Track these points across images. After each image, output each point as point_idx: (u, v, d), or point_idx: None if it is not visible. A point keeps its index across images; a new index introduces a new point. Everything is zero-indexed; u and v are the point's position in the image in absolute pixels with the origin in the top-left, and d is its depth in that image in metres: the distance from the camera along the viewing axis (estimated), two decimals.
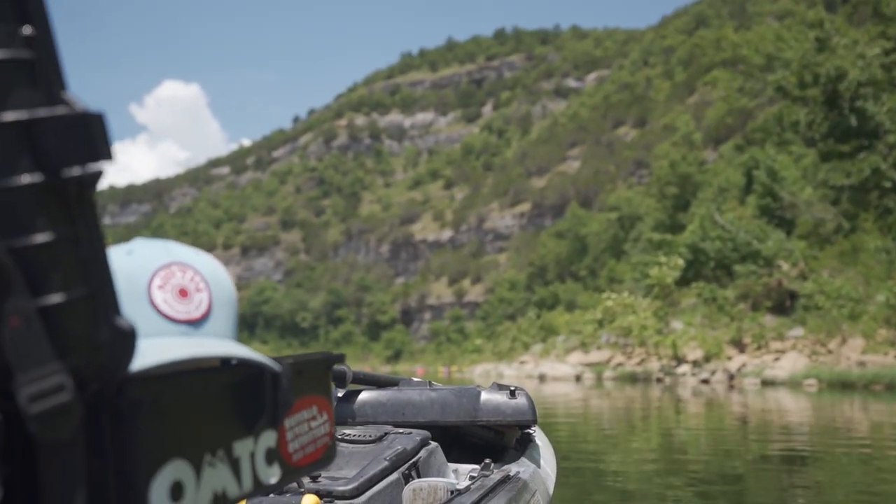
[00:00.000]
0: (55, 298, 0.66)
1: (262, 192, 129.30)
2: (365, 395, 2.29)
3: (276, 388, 0.89)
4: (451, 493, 1.74)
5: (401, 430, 2.05)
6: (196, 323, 0.93)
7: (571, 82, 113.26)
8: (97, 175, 0.65)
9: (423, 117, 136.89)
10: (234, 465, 0.85)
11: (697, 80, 59.81)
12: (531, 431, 2.40)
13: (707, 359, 21.76)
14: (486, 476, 1.89)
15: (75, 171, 0.63)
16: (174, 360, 0.83)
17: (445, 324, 73.88)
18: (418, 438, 2.01)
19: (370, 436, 1.98)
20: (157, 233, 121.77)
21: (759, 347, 20.88)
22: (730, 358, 21.08)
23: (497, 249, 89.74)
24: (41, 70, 0.64)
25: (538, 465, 2.14)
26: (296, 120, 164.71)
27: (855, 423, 8.32)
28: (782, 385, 16.85)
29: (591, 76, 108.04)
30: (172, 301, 0.92)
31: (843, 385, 15.54)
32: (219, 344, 0.92)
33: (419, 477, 1.90)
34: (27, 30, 0.63)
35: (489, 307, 66.53)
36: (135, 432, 0.75)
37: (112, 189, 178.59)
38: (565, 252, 59.05)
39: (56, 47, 0.68)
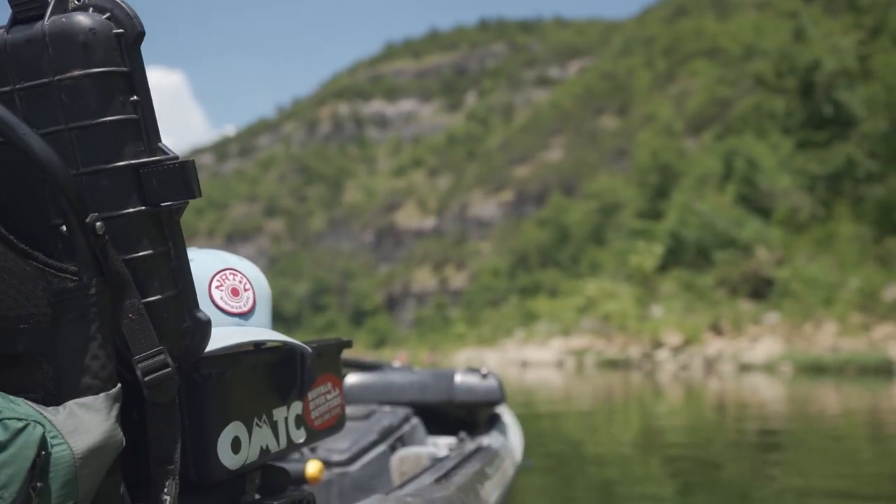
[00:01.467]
0: (155, 297, 0.92)
1: (245, 179, 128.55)
2: (352, 378, 2.54)
3: (303, 367, 1.22)
4: (433, 460, 1.93)
5: (386, 408, 2.25)
6: (245, 315, 1.26)
7: (554, 71, 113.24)
8: (184, 206, 0.88)
9: (406, 106, 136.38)
10: (274, 427, 1.16)
11: (678, 70, 60.17)
12: (502, 410, 2.65)
13: (686, 344, 22.18)
14: (462, 447, 2.09)
15: (169, 203, 0.87)
16: (235, 345, 1.09)
17: (429, 311, 74.09)
18: (402, 414, 2.23)
19: (359, 413, 2.19)
20: None
21: (736, 332, 21.31)
22: (708, 343, 21.50)
23: (480, 237, 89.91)
24: (144, 127, 0.91)
25: (507, 438, 2.35)
26: (279, 108, 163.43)
27: (828, 406, 8.63)
28: (758, 370, 17.27)
29: (573, 65, 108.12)
30: (227, 298, 1.25)
31: (817, 369, 15.95)
32: (263, 331, 1.25)
33: (404, 447, 2.10)
34: (135, 98, 0.90)
35: (472, 294, 66.78)
36: (206, 399, 1.02)
37: None
38: (547, 240, 59.34)
39: (153, 109, 0.93)
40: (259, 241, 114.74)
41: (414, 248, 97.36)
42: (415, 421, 2.28)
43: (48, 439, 0.81)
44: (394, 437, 2.10)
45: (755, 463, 4.28)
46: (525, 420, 6.98)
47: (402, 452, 2.03)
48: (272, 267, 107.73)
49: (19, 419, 0.80)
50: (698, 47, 53.61)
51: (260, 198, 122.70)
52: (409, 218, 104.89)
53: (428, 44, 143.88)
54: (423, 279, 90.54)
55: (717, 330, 22.09)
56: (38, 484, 0.79)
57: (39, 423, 0.81)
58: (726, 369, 18.11)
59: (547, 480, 3.77)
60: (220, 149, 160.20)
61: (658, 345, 23.64)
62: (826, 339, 18.11)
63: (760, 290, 23.09)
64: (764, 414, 7.50)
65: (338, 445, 1.92)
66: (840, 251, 21.49)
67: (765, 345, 19.26)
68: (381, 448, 2.02)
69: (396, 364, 2.76)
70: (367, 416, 2.17)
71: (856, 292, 18.85)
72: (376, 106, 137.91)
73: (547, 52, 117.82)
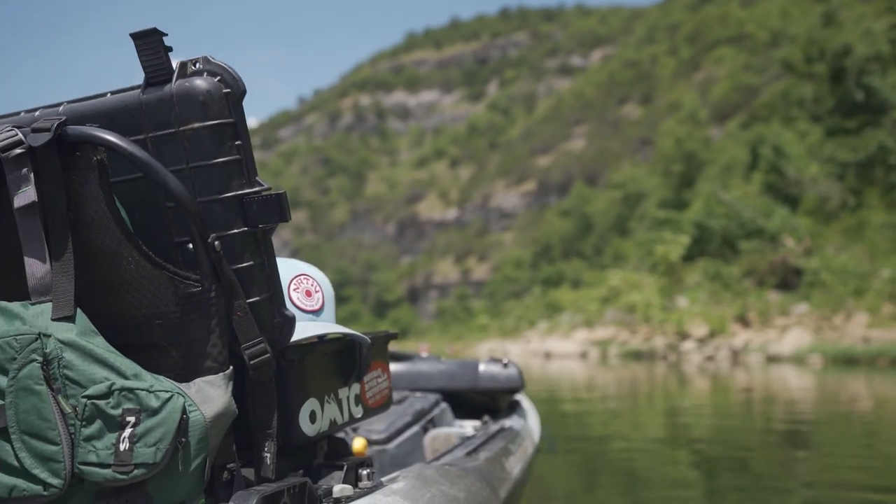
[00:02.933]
0: (255, 299, 1.19)
1: (267, 172, 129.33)
2: None
3: (361, 354, 1.48)
4: (462, 438, 2.16)
5: (418, 394, 2.50)
6: (317, 312, 1.58)
7: (576, 60, 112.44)
8: (275, 227, 1.19)
9: (427, 96, 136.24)
10: (339, 404, 1.43)
11: (703, 57, 59.39)
12: (521, 397, 2.90)
13: (712, 335, 21.87)
14: (487, 428, 2.31)
15: (263, 225, 1.18)
16: (312, 336, 1.39)
17: (451, 302, 74.10)
18: (432, 399, 2.48)
19: (394, 398, 2.35)
20: None
21: (763, 323, 20.97)
22: (734, 334, 21.18)
23: (502, 228, 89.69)
24: (245, 165, 1.20)
25: (526, 421, 2.59)
26: (301, 100, 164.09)
27: (859, 398, 8.42)
28: (787, 361, 16.97)
29: (596, 54, 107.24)
30: (302, 298, 1.57)
31: (847, 360, 15.63)
32: (332, 325, 1.53)
33: (435, 428, 2.36)
34: (238, 142, 1.19)
35: (494, 285, 66.69)
36: (290, 380, 1.30)
37: None
38: (570, 230, 59.03)
39: (251, 150, 1.22)
40: (281, 233, 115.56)
41: (436, 239, 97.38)
42: (443, 405, 2.53)
43: (187, 407, 1.08)
44: (425, 420, 2.34)
45: (783, 454, 4.13)
46: (549, 410, 6.84)
47: (434, 432, 2.29)
48: (295, 258, 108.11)
49: (166, 391, 1.08)
50: (724, 34, 52.83)
51: (282, 189, 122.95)
52: (431, 209, 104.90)
53: (449, 33, 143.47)
54: (446, 270, 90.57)
55: (743, 321, 21.75)
56: (183, 440, 1.06)
57: (180, 394, 1.09)
58: (753, 361, 17.81)
59: (571, 468, 3.66)
60: None
61: (683, 336, 23.34)
62: (857, 330, 17.75)
63: (789, 280, 22.70)
64: (792, 405, 7.31)
65: (376, 426, 2.14)
66: (871, 240, 21.04)
67: (793, 336, 18.92)
68: (415, 429, 2.26)
69: (424, 354, 3.00)
70: (401, 401, 2.40)
71: (887, 282, 18.43)
72: (398, 97, 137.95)
73: (569, 41, 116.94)
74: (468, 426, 2.49)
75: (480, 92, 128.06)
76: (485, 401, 2.81)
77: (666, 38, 75.12)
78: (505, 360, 2.77)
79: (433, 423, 2.38)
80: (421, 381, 2.72)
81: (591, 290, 37.08)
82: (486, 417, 2.56)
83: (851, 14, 24.82)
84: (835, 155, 24.69)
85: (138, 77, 1.23)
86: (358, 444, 1.93)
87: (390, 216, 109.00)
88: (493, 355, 3.22)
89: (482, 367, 2.73)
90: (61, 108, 1.27)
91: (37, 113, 1.28)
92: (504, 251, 79.08)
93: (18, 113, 1.31)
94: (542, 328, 38.88)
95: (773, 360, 17.57)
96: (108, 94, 1.25)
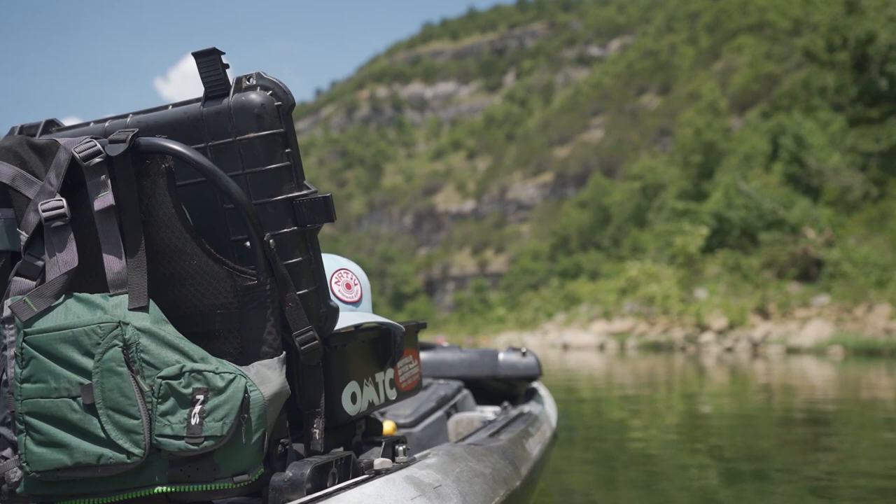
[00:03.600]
0: (303, 291, 1.33)
1: None
2: None
3: (395, 342, 1.62)
4: (484, 422, 2.30)
5: (441, 381, 2.62)
6: (356, 303, 1.73)
7: (594, 50, 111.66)
8: (321, 225, 1.32)
9: (444, 87, 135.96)
10: (376, 387, 1.57)
11: (723, 46, 58.74)
12: (537, 385, 3.07)
13: (731, 327, 21.72)
14: (507, 412, 2.47)
15: (311, 224, 1.31)
16: (352, 325, 1.55)
17: (469, 294, 74.11)
18: (455, 386, 2.63)
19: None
20: None
21: (783, 315, 20.78)
22: (754, 326, 21.02)
23: (520, 220, 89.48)
24: (294, 170, 1.33)
25: (543, 407, 2.74)
26: (318, 92, 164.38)
27: (881, 389, 8.34)
28: (807, 353, 16.82)
29: (615, 43, 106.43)
30: (343, 291, 1.72)
31: (868, 352, 15.47)
32: (370, 315, 1.67)
33: (457, 413, 2.50)
34: (288, 150, 1.32)
35: (512, 277, 66.60)
36: (334, 364, 1.43)
37: None
38: (588, 222, 58.76)
39: (300, 157, 1.35)
40: None
41: (453, 231, 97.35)
42: (465, 392, 2.68)
43: (248, 387, 1.22)
44: (449, 405, 2.47)
45: (803, 444, 4.09)
46: (567, 400, 6.84)
47: (458, 416, 2.42)
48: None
49: (230, 373, 1.22)
50: (744, 22, 52.19)
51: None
52: (448, 201, 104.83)
53: (466, 24, 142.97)
54: (463, 262, 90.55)
55: (763, 313, 21.58)
56: (245, 416, 1.21)
57: (242, 376, 1.23)
58: (773, 353, 17.67)
59: (589, 458, 3.65)
60: None
61: (702, 328, 23.20)
62: (878, 321, 17.54)
63: (809, 271, 22.47)
64: (813, 397, 7.24)
65: (402, 411, 2.24)
66: (893, 231, 20.78)
67: (814, 328, 18.75)
68: (439, 414, 2.39)
69: (445, 344, 3.14)
70: (425, 388, 2.51)
71: None
72: (415, 88, 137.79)
73: (587, 31, 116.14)
74: (489, 411, 2.61)
75: (498, 83, 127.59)
76: (503, 388, 2.98)
77: (685, 27, 74.37)
78: (523, 350, 2.95)
79: (456, 409, 2.51)
80: (443, 369, 2.85)
81: (608, 281, 36.93)
82: (505, 403, 2.69)
83: (875, 1, 24.40)
84: (857, 145, 24.35)
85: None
86: (387, 426, 2.05)
87: (407, 208, 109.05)
88: (511, 345, 3.33)
89: (502, 356, 2.92)
90: (129, 119, 1.41)
91: (106, 124, 1.44)
92: (521, 243, 78.91)
93: (88, 123, 1.47)
94: (559, 320, 38.80)
95: (793, 351, 17.43)
96: (170, 107, 1.39)
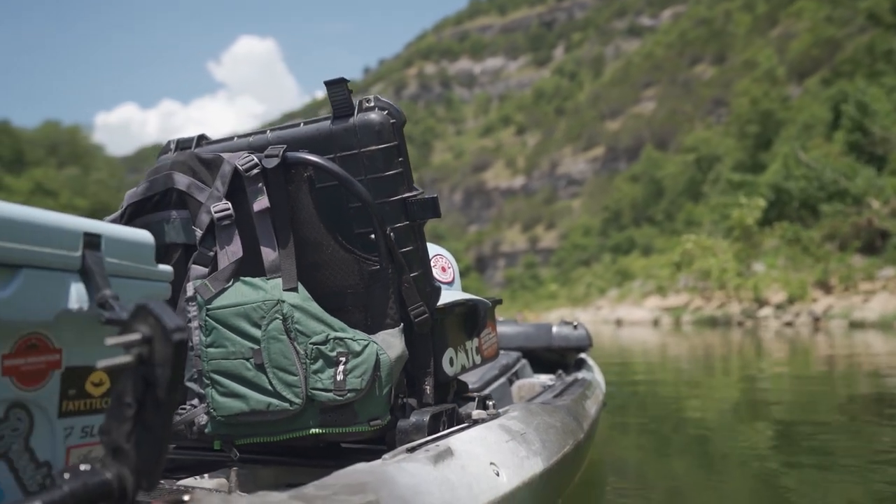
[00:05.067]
0: (414, 273, 1.64)
1: None
2: None
3: (481, 315, 1.90)
4: (544, 387, 2.57)
5: (501, 352, 2.79)
6: (450, 283, 2.02)
7: (645, 20, 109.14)
8: (425, 221, 1.65)
9: (493, 63, 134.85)
10: (466, 353, 1.84)
11: (781, 12, 56.80)
12: (585, 356, 3.34)
13: (791, 301, 21.17)
14: (563, 379, 2.75)
15: (420, 219, 1.64)
16: (450, 302, 1.79)
17: (519, 270, 73.93)
18: (514, 356, 2.88)
19: None
20: None
21: (846, 289, 20.15)
22: (815, 300, 20.44)
23: (570, 195, 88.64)
24: (406, 175, 1.64)
25: (594, 374, 3.00)
26: (366, 70, 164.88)
27: None
28: (872, 327, 16.30)
29: (667, 13, 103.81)
30: (440, 273, 1.98)
31: None
32: (461, 293, 1.94)
33: (518, 380, 2.75)
34: (401, 159, 1.64)
35: (563, 253, 66.16)
36: (436, 334, 1.70)
37: None
38: (640, 196, 57.87)
39: (409, 164, 1.66)
40: None
41: (503, 207, 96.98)
42: (524, 361, 2.93)
43: (378, 351, 1.51)
44: (510, 372, 2.72)
45: (868, 421, 3.94)
46: (621, 376, 6.76)
47: (520, 382, 2.66)
48: None
49: (364, 340, 1.51)
50: None
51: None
52: (497, 177, 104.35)
53: None
54: (513, 239, 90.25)
55: (825, 286, 20.97)
56: (377, 373, 1.50)
57: (374, 342, 1.52)
58: (836, 327, 17.17)
59: (645, 437, 3.59)
60: (310, 114, 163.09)
61: (760, 302, 22.69)
62: None
63: (874, 243, 21.71)
64: (878, 373, 7.00)
65: (469, 378, 2.37)
66: None
67: (879, 301, 18.13)
68: (502, 380, 2.64)
69: (500, 319, 3.25)
70: None
71: None
72: (463, 64, 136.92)
73: (638, 0, 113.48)
74: (544, 378, 2.84)
75: (547, 57, 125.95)
76: (555, 358, 3.30)
77: None
78: (575, 323, 3.28)
79: (517, 376, 2.78)
80: (503, 341, 3.03)
81: (662, 256, 36.37)
82: (559, 371, 2.98)
83: None
84: None
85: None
86: None
87: (457, 185, 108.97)
88: (563, 319, 3.55)
89: (555, 329, 3.25)
90: (269, 134, 1.74)
91: (250, 139, 1.75)
92: (572, 218, 78.24)
93: (232, 138, 1.79)
94: (612, 296, 38.43)
95: (856, 325, 16.90)
96: (301, 124, 1.71)
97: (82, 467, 0.79)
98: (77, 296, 0.96)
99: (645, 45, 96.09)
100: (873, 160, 24.71)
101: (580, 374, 2.82)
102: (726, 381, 6.76)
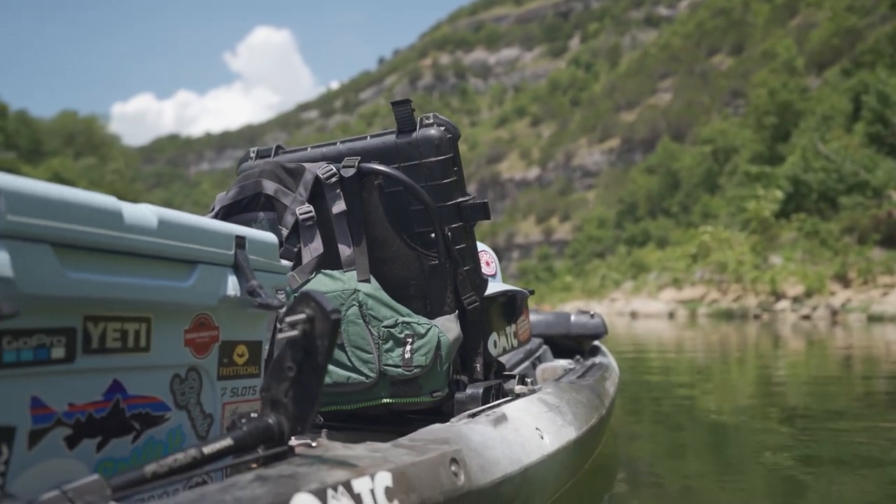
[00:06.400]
0: (467, 267, 1.92)
1: (349, 134, 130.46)
2: None
3: (519, 304, 2.22)
4: (565, 370, 2.75)
5: None
6: (493, 276, 2.33)
7: (663, 10, 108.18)
8: (475, 223, 1.94)
9: (508, 53, 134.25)
10: (507, 337, 2.15)
11: (800, 1, 56.08)
12: (598, 343, 3.61)
13: (808, 294, 20.95)
14: (582, 363, 2.96)
15: (472, 220, 1.92)
16: (494, 292, 2.09)
17: (534, 262, 73.74)
18: (537, 342, 3.19)
19: None
20: None
21: (865, 282, 19.92)
22: (833, 293, 20.22)
23: (585, 187, 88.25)
24: (459, 182, 1.94)
25: (609, 359, 3.26)
26: (381, 61, 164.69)
27: None
28: (891, 320, 16.09)
29: (684, 2, 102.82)
30: (484, 267, 2.19)
31: None
32: (503, 285, 2.24)
33: (541, 364, 2.94)
34: (456, 168, 1.93)
35: (578, 245, 65.91)
36: (483, 320, 1.97)
37: (208, 136, 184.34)
38: (656, 188, 57.46)
39: (463, 171, 1.99)
40: None
41: (518, 198, 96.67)
42: (545, 347, 3.20)
43: (438, 334, 1.76)
44: (533, 357, 2.96)
45: (884, 418, 3.85)
46: (636, 367, 6.68)
47: (544, 365, 2.83)
48: None
49: (427, 324, 1.78)
50: None
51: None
52: (512, 168, 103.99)
53: None
54: (528, 230, 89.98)
55: (843, 279, 20.74)
56: (439, 352, 1.76)
57: (435, 326, 1.78)
58: (854, 321, 16.96)
59: (659, 429, 3.52)
60: (325, 104, 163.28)
61: (777, 295, 22.48)
62: None
63: (893, 236, 21.43)
64: None
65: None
66: None
67: None
68: (526, 364, 2.88)
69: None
70: None
71: None
72: (478, 55, 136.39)
73: None
74: (564, 362, 3.01)
75: (562, 47, 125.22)
76: (572, 345, 3.56)
77: None
78: (591, 312, 3.57)
79: (539, 360, 3.02)
80: None
81: (678, 248, 36.13)
82: (577, 357, 3.19)
83: None
84: None
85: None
86: None
87: (472, 176, 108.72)
88: (580, 309, 3.79)
89: (573, 318, 3.53)
90: (339, 146, 1.98)
91: (323, 149, 1.99)
92: (587, 210, 77.89)
93: (305, 148, 2.04)
94: (627, 288, 38.25)
95: (875, 319, 16.70)
96: (368, 137, 1.95)
97: (252, 415, 1.03)
98: (232, 285, 1.20)
99: (662, 36, 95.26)
100: (894, 152, 24.37)
101: (597, 359, 3.03)
102: (742, 373, 6.67)
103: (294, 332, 0.99)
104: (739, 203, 30.80)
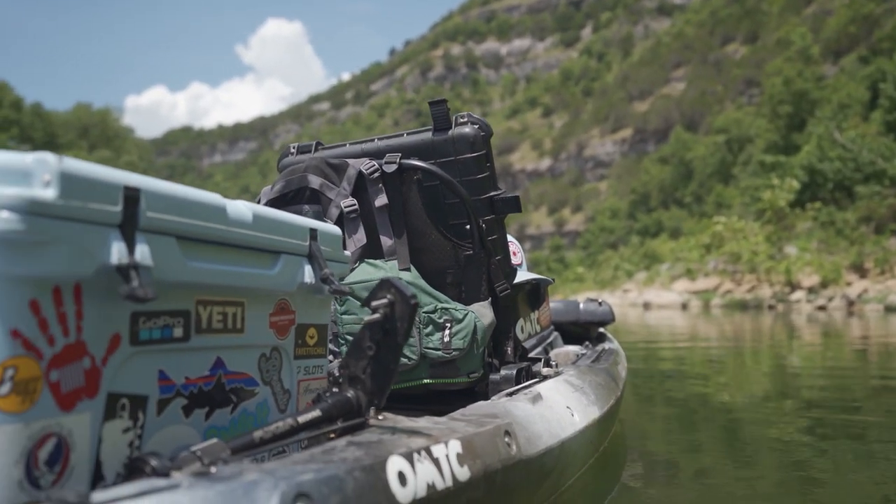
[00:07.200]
0: (498, 257, 2.05)
1: (361, 125, 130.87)
2: None
3: (542, 291, 2.57)
4: (577, 356, 2.84)
5: None
6: (519, 266, 2.52)
7: None
8: (505, 215, 2.07)
9: (519, 44, 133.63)
10: (531, 322, 2.53)
11: None
12: (604, 330, 3.75)
13: (824, 285, 20.74)
14: (592, 348, 3.12)
15: (504, 213, 2.05)
16: (522, 280, 2.30)
17: (546, 253, 73.54)
18: (549, 328, 3.26)
19: None
20: (264, 169, 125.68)
21: (882, 272, 19.69)
22: (849, 283, 20.01)
23: (598, 177, 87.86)
24: (492, 177, 2.05)
25: (617, 346, 3.37)
26: (392, 52, 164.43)
27: None
28: None
29: None
30: (512, 257, 2.20)
31: None
32: (529, 274, 2.53)
33: (553, 349, 3.06)
34: (489, 164, 2.02)
35: (590, 236, 65.67)
36: (511, 306, 2.09)
37: (221, 128, 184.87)
38: (669, 178, 57.10)
39: (494, 167, 2.09)
40: None
41: (529, 189, 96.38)
42: (556, 333, 3.27)
43: (474, 319, 1.87)
44: (546, 343, 3.03)
45: None
46: (648, 359, 6.60)
47: (557, 351, 2.93)
48: None
49: (464, 310, 1.88)
50: None
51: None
52: (524, 159, 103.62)
53: None
54: (539, 221, 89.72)
55: (859, 269, 20.51)
56: (475, 336, 1.86)
57: (471, 311, 1.88)
58: (871, 311, 16.77)
59: (672, 421, 3.45)
60: (336, 96, 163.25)
61: (792, 286, 22.27)
62: None
63: None
64: None
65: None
66: None
67: None
68: (539, 349, 2.94)
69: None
70: None
71: None
72: (489, 45, 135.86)
73: None
74: (574, 348, 3.11)
75: (574, 37, 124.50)
76: (579, 331, 3.70)
77: None
78: (599, 300, 3.72)
79: (551, 346, 3.12)
80: None
81: (691, 238, 35.88)
82: (586, 343, 3.35)
83: None
84: None
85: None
86: None
87: None
88: (588, 297, 3.92)
89: (582, 306, 3.69)
90: (378, 143, 2.07)
91: (363, 146, 2.09)
92: (599, 201, 77.55)
93: (344, 144, 2.17)
94: (639, 279, 38.05)
95: (893, 310, 16.50)
96: (405, 135, 2.04)
97: (334, 390, 1.17)
98: (308, 273, 1.32)
99: (675, 24, 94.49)
100: None
101: (606, 345, 3.19)
102: (756, 364, 6.57)
103: (378, 316, 1.11)
104: (754, 193, 30.53)
